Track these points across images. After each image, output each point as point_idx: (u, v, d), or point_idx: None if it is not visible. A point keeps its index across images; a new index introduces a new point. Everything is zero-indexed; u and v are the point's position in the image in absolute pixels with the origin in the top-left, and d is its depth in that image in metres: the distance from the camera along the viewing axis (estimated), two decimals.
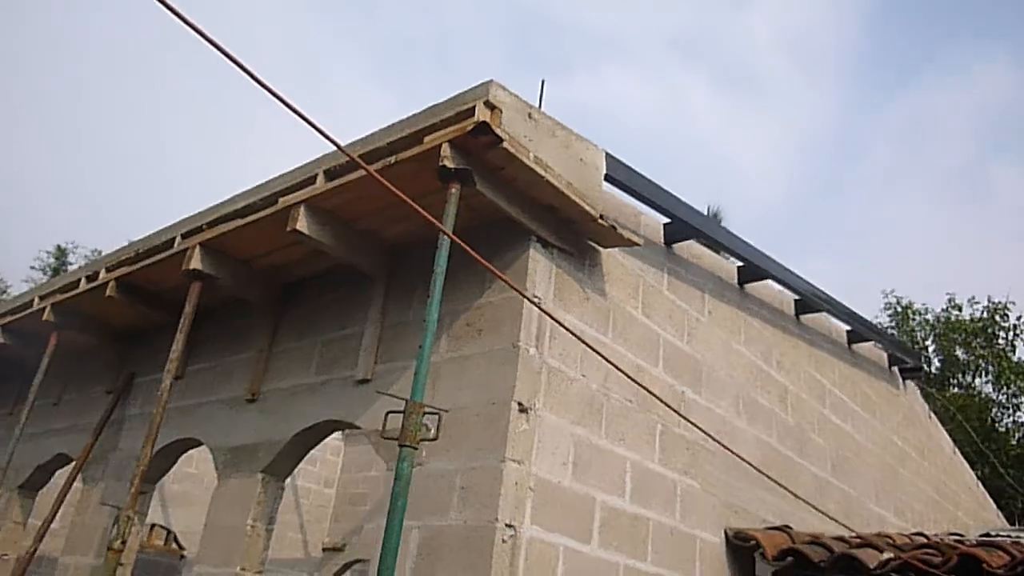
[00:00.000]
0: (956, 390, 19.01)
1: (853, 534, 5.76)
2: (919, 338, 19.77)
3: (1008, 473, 14.99)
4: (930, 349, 19.73)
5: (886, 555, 4.40)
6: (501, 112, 3.33)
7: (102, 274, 5.34)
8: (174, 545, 10.17)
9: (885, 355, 8.33)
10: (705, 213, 5.88)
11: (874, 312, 20.38)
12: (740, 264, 5.61)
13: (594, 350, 3.65)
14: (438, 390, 3.70)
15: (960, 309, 19.77)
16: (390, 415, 3.04)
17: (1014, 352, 18.85)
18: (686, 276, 5.02)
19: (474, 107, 3.29)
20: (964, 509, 10.27)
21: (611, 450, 3.97)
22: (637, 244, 4.07)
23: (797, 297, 6.37)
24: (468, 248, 3.03)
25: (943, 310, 20.09)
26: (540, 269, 3.76)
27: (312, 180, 3.97)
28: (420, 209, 2.84)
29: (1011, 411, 19.04)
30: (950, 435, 10.76)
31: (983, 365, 18.93)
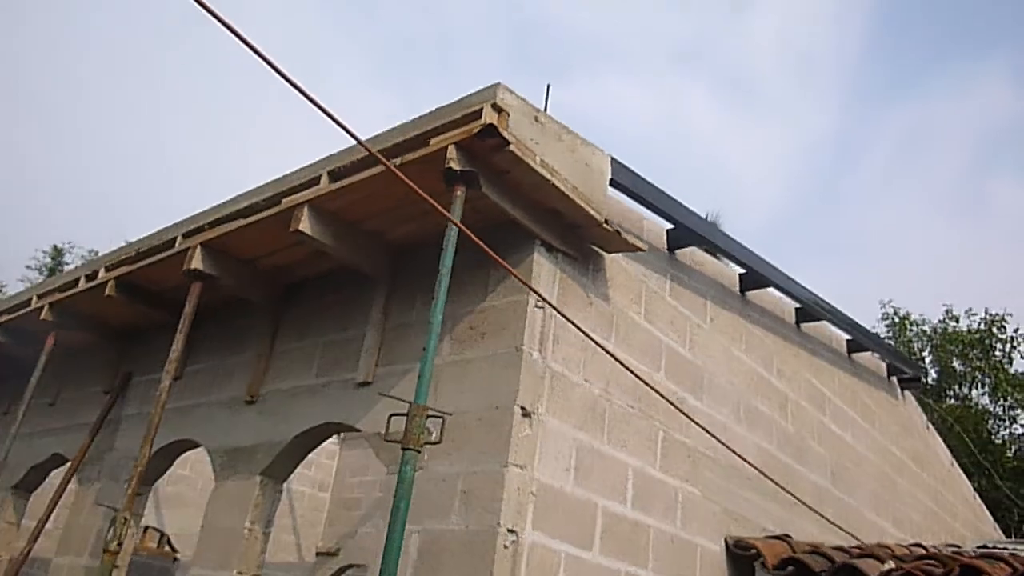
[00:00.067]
0: (952, 401, 19.02)
1: (853, 544, 5.74)
2: (916, 349, 19.79)
3: (1005, 485, 14.98)
4: (927, 360, 19.75)
5: (887, 566, 4.38)
6: (508, 115, 3.32)
7: (101, 273, 5.31)
8: (167, 548, 10.11)
9: (884, 365, 8.33)
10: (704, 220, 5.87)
11: (871, 322, 20.40)
12: (742, 271, 5.60)
13: (609, 352, 3.63)
14: (440, 393, 3.68)
15: (957, 320, 19.81)
16: (393, 418, 3.02)
17: (1011, 364, 18.87)
18: (688, 282, 5.01)
19: (481, 109, 3.28)
20: (961, 521, 10.26)
21: (613, 456, 3.95)
22: (641, 250, 4.06)
23: (798, 305, 6.36)
24: (485, 247, 3.02)
25: (940, 321, 20.13)
26: (544, 273, 3.74)
27: (316, 181, 3.95)
28: (436, 205, 2.82)
29: (1008, 423, 19.05)
30: (947, 446, 10.76)
31: (980, 377, 18.94)
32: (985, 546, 8.88)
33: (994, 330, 18.83)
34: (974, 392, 19.31)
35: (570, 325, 3.84)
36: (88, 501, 5.56)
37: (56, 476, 6.64)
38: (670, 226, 4.82)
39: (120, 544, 4.01)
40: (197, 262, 4.41)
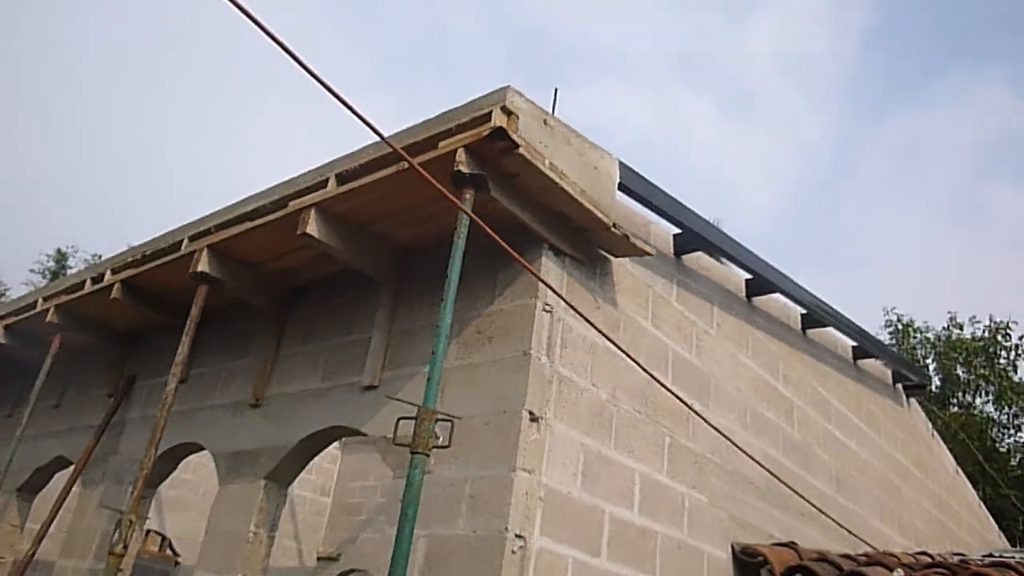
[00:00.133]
0: (956, 409, 18.95)
1: (860, 552, 5.71)
2: (919, 356, 19.73)
3: (1010, 494, 14.91)
4: (930, 367, 19.68)
5: (895, 574, 4.35)
6: (517, 118, 3.31)
7: (107, 276, 5.30)
8: (169, 551, 10.08)
9: (889, 372, 8.30)
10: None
11: (874, 329, 20.34)
12: (748, 277, 5.59)
13: (628, 356, 3.62)
14: (447, 398, 3.66)
15: (961, 328, 19.75)
16: (401, 421, 3.00)
17: (1015, 371, 18.81)
18: (695, 288, 5.00)
19: (490, 112, 3.28)
20: (966, 529, 10.21)
21: (620, 461, 3.93)
22: (649, 254, 4.05)
23: (803, 311, 6.35)
24: (508, 247, 3.00)
25: (943, 328, 20.08)
26: (552, 277, 3.73)
27: (323, 184, 3.95)
28: (458, 203, 2.81)
29: (1012, 431, 18.98)
30: (951, 454, 10.72)
31: (984, 385, 18.87)
32: (991, 554, 8.83)
33: (999, 338, 18.78)
34: (978, 400, 19.25)
35: (577, 329, 3.83)
36: (92, 504, 5.54)
37: (59, 479, 6.63)
38: (676, 231, 4.80)
39: (125, 547, 4.00)
40: (204, 265, 4.40)
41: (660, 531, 4.10)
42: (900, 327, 20.17)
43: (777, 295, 5.91)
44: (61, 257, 24.41)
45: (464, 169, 3.24)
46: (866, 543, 6.09)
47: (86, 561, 5.31)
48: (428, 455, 2.88)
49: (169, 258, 4.75)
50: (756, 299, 5.75)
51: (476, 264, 3.63)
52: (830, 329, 6.77)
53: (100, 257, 20.10)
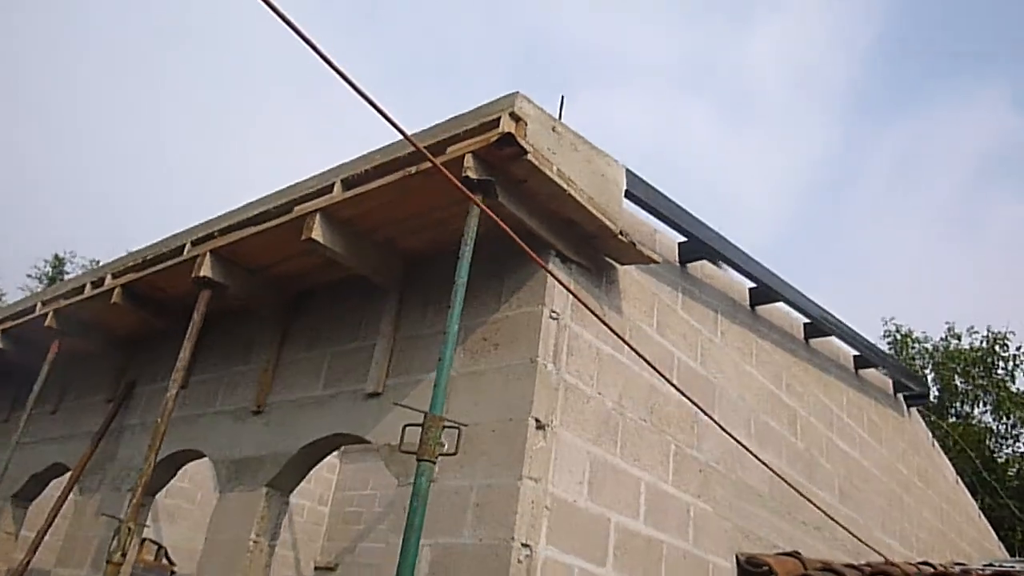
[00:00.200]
0: (954, 419, 18.94)
1: (863, 562, 5.67)
2: (918, 366, 19.72)
3: (1010, 503, 14.89)
4: (929, 378, 19.68)
5: None
6: (526, 124, 3.29)
7: (108, 280, 5.26)
8: (165, 560, 10.00)
9: (890, 381, 8.28)
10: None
11: (873, 339, 20.28)
12: (752, 286, 5.57)
13: (645, 360, 3.58)
14: (452, 405, 3.62)
15: (959, 338, 19.76)
16: (408, 428, 2.97)
17: (1013, 382, 18.80)
18: (700, 296, 4.97)
19: (499, 118, 3.26)
20: (967, 539, 10.18)
21: (626, 470, 3.89)
22: (656, 262, 4.02)
23: (807, 320, 6.33)
24: (527, 248, 2.96)
25: (942, 339, 20.08)
26: (558, 284, 3.70)
27: (329, 189, 3.92)
28: (481, 204, 2.78)
29: (1011, 442, 18.96)
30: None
31: (982, 395, 18.86)
32: (991, 564, 8.80)
33: (996, 348, 18.78)
34: (976, 410, 19.24)
35: (583, 336, 3.80)
36: (89, 511, 5.48)
37: (55, 486, 6.57)
38: (682, 239, 4.78)
39: (124, 554, 3.95)
40: (206, 269, 4.37)
41: (666, 541, 4.07)
42: (899, 337, 20.17)
43: (779, 304, 5.90)
44: (58, 262, 24.34)
45: (472, 174, 3.22)
46: (874, 550, 6.05)
47: (83, 570, 5.25)
48: (435, 463, 2.85)
49: (171, 262, 4.72)
50: (759, 308, 5.73)
51: (482, 271, 3.61)
52: (831, 339, 6.76)
53: (98, 263, 20.03)
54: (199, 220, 4.83)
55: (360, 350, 4.32)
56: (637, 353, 3.69)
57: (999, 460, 18.49)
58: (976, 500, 12.57)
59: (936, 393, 19.51)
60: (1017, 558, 12.11)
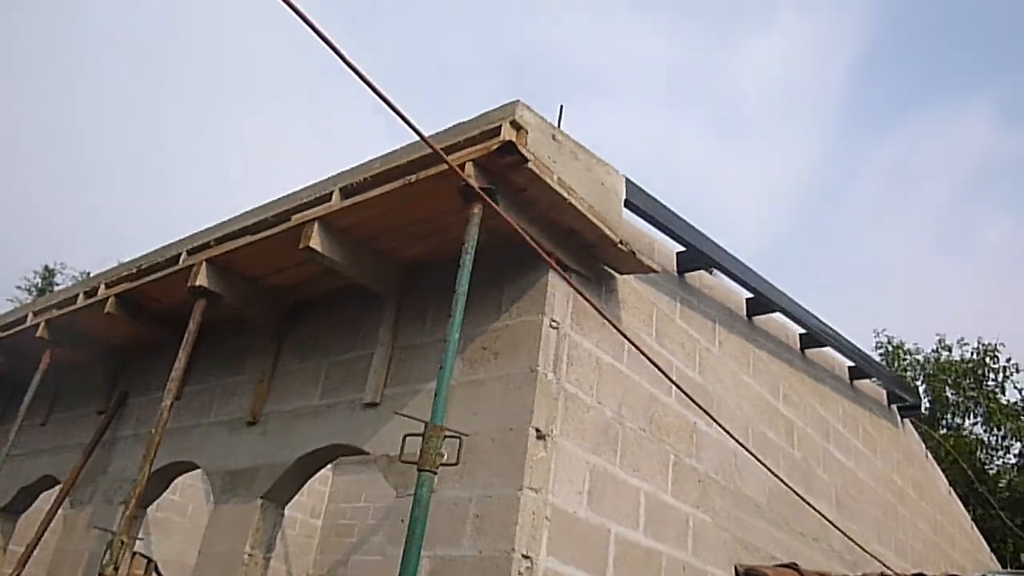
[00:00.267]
0: (944, 431, 18.97)
1: (860, 573, 5.66)
2: (909, 378, 19.77)
3: (1003, 515, 14.90)
4: (920, 389, 19.73)
5: None
6: (527, 133, 3.29)
7: (101, 290, 5.22)
8: (154, 574, 9.87)
9: (884, 392, 8.29)
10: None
11: (865, 351, 20.30)
12: (749, 296, 5.57)
13: (654, 364, 3.56)
14: (451, 415, 3.58)
15: (950, 350, 19.82)
16: (408, 438, 2.94)
17: (1004, 393, 18.86)
18: (698, 306, 4.97)
19: (500, 127, 3.25)
20: (960, 550, 10.18)
21: (625, 480, 3.87)
22: (655, 271, 4.02)
23: (803, 331, 6.33)
24: (543, 254, 2.94)
25: (933, 350, 20.14)
26: (558, 293, 3.69)
27: (327, 197, 3.90)
28: (498, 208, 2.76)
29: (1001, 453, 19.00)
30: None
31: (972, 407, 18.92)
32: (985, 575, 8.81)
33: (987, 360, 18.84)
34: (966, 422, 19.28)
35: (583, 345, 3.79)
36: (80, 524, 5.41)
37: (44, 499, 6.48)
38: (680, 248, 4.78)
39: (116, 568, 3.89)
40: (202, 279, 4.34)
41: (665, 552, 4.04)
42: (890, 348, 20.22)
43: (776, 314, 5.90)
44: (48, 274, 24.13)
45: (473, 183, 3.20)
46: (876, 556, 6.03)
47: None
48: (436, 472, 2.82)
49: (166, 272, 4.68)
50: (756, 318, 5.73)
51: (481, 280, 3.58)
52: (826, 349, 6.76)
53: (88, 274, 19.89)
54: (193, 230, 4.80)
55: (358, 359, 4.29)
56: (648, 358, 3.67)
57: (990, 472, 18.52)
58: (968, 511, 12.59)
59: (927, 404, 19.56)
60: (1009, 570, 12.12)
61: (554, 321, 3.62)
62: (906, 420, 9.01)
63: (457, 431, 3.01)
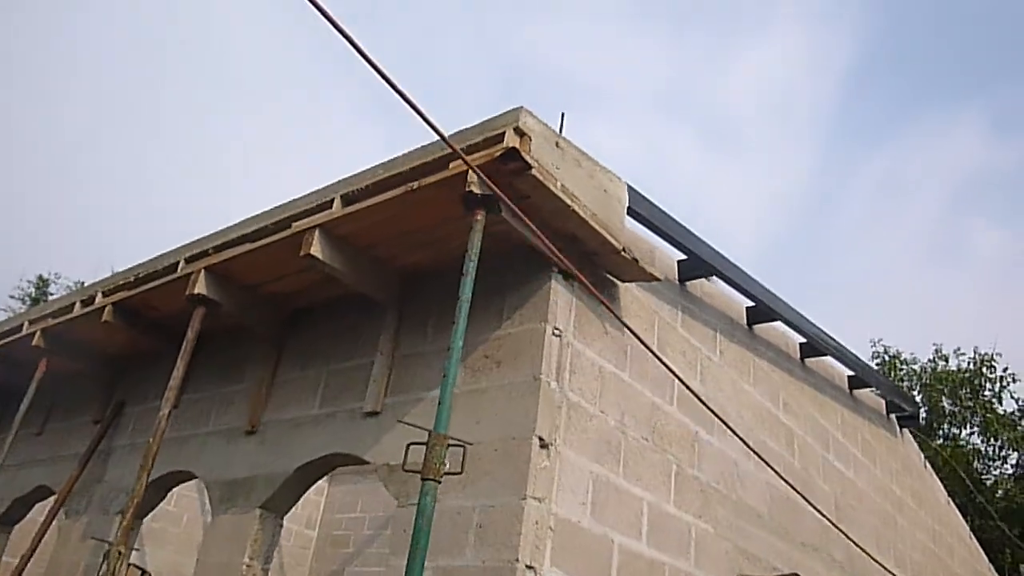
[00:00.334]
0: (941, 441, 18.96)
1: None
2: (906, 388, 19.78)
3: (1001, 525, 14.88)
4: (916, 399, 19.72)
5: None
6: (530, 139, 3.27)
7: (99, 298, 5.18)
8: None
9: (883, 402, 8.28)
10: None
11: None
12: (750, 304, 5.56)
13: (669, 368, 3.54)
14: (454, 424, 3.54)
15: (947, 360, 19.82)
16: (412, 447, 2.91)
17: (1001, 403, 18.85)
18: (699, 314, 4.95)
19: (503, 133, 3.24)
20: (958, 561, 10.15)
21: (628, 490, 3.84)
22: (657, 279, 4.00)
23: (802, 340, 6.32)
24: (557, 256, 2.92)
25: (929, 360, 20.13)
26: (561, 301, 3.67)
27: (327, 205, 3.89)
28: (515, 209, 2.74)
29: (998, 463, 18.99)
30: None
31: (969, 417, 18.91)
32: None
33: (984, 370, 18.84)
34: (963, 432, 19.27)
35: (585, 354, 3.76)
36: (75, 535, 5.34)
37: (38, 510, 6.42)
38: (681, 256, 4.77)
39: None
40: (201, 287, 4.30)
41: (668, 562, 4.00)
42: (887, 358, 20.22)
43: (776, 323, 5.89)
44: (43, 283, 24.02)
45: (476, 190, 3.19)
46: (881, 565, 6.00)
47: None
48: (440, 482, 2.79)
49: (165, 280, 4.65)
50: (756, 327, 5.71)
51: (483, 287, 3.55)
52: (825, 358, 6.75)
53: (83, 284, 19.79)
54: (187, 233, 4.77)
55: (358, 368, 4.26)
56: (663, 362, 3.65)
57: (987, 482, 18.51)
58: (965, 521, 12.56)
59: (923, 415, 19.55)
60: None
61: (557, 329, 3.60)
62: (905, 430, 9.00)
63: (461, 440, 2.98)
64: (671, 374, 4.46)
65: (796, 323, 5.84)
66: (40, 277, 24.02)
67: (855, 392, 7.48)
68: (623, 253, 3.71)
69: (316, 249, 3.76)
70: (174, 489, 5.55)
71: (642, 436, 4.06)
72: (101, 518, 5.21)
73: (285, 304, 4.76)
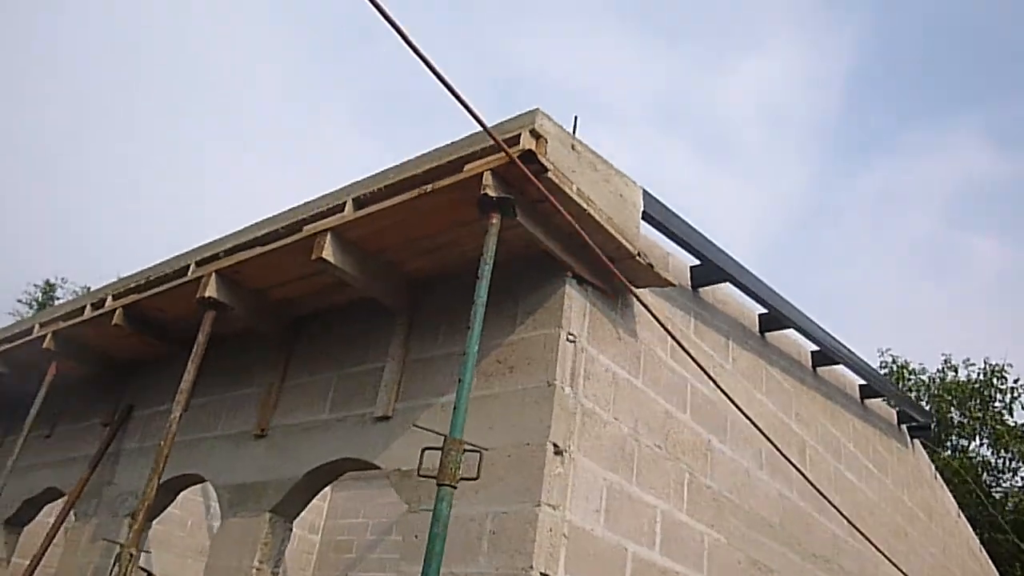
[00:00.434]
0: (949, 452, 18.79)
1: None
2: (913, 399, 19.63)
3: (1007, 538, 14.74)
4: (927, 410, 19.56)
5: None
6: (546, 142, 3.25)
7: (109, 301, 5.17)
8: None
9: (894, 412, 8.21)
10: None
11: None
12: (763, 311, 5.52)
13: (699, 368, 3.50)
14: (466, 429, 3.51)
15: (956, 370, 19.66)
16: (427, 452, 2.88)
17: (1011, 415, 18.66)
18: (711, 321, 4.92)
19: (519, 135, 3.21)
20: (969, 573, 10.05)
21: (641, 498, 3.80)
22: (672, 284, 3.97)
23: (815, 348, 6.27)
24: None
25: (938, 371, 19.97)
26: (575, 306, 3.64)
27: (339, 208, 3.86)
28: (555, 203, 2.71)
29: (1009, 475, 18.80)
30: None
31: (979, 428, 18.73)
32: None
33: (994, 380, 18.66)
34: (972, 444, 19.10)
35: (600, 360, 3.73)
36: (85, 537, 5.32)
37: (47, 511, 6.40)
38: (695, 262, 4.74)
39: None
40: (211, 290, 4.28)
41: (681, 572, 3.96)
42: (895, 369, 20.06)
43: (788, 331, 5.84)
44: (49, 288, 24.08)
45: (491, 193, 3.16)
46: (898, 568, 5.93)
47: None
48: (455, 487, 2.75)
49: (175, 283, 4.63)
50: (768, 334, 5.67)
51: (496, 292, 3.53)
52: (837, 368, 6.70)
53: (89, 288, 19.84)
54: (191, 237, 4.76)
55: (368, 373, 4.23)
56: (697, 364, 3.61)
57: (997, 495, 18.33)
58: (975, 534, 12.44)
59: (932, 426, 19.38)
60: None
61: (571, 335, 3.57)
62: (916, 441, 8.92)
63: (476, 445, 2.95)
64: (681, 386, 4.43)
65: (809, 331, 5.79)
66: (47, 282, 24.10)
67: (866, 402, 7.42)
68: (638, 258, 3.69)
69: (328, 252, 3.73)
70: (182, 494, 5.52)
71: (655, 444, 4.02)
72: (110, 520, 5.19)
73: (294, 308, 4.73)
